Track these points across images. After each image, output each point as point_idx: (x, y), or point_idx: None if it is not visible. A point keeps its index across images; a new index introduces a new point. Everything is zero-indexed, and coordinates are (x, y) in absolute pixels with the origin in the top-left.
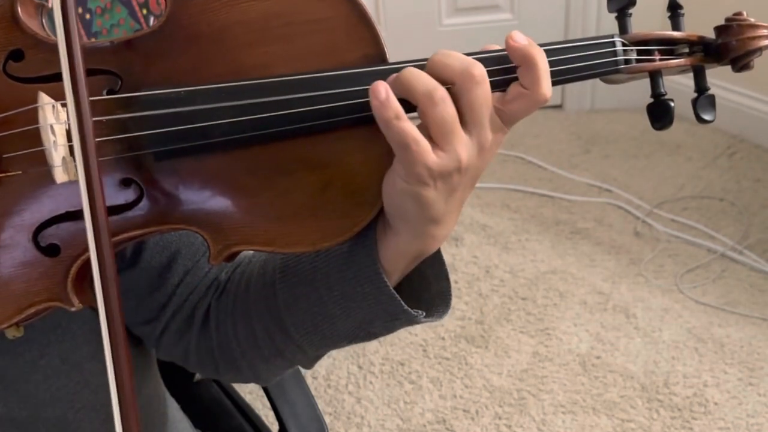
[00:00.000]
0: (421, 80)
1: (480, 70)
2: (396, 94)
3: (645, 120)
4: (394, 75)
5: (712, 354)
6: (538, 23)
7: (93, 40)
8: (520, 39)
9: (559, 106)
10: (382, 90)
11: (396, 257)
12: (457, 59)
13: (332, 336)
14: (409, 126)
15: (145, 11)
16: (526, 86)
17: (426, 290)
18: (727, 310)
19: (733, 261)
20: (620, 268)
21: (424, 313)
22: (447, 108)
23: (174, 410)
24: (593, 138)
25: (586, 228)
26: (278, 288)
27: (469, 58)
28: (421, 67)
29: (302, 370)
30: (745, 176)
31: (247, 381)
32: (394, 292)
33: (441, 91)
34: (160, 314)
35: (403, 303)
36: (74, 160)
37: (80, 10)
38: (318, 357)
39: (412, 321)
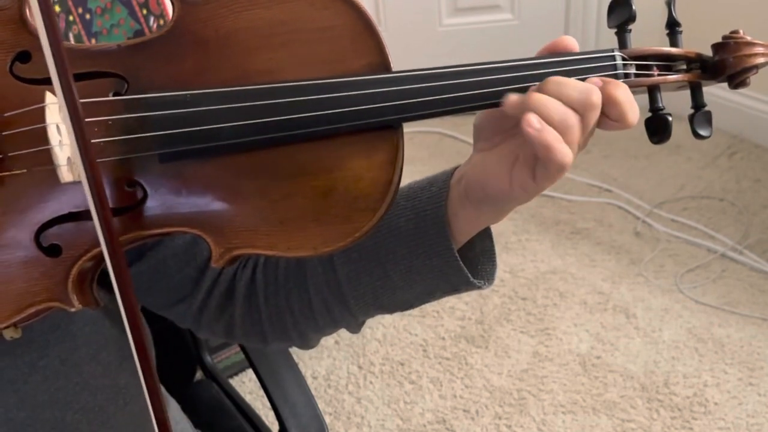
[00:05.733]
0: (556, 109)
1: (598, 97)
2: (544, 116)
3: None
4: (542, 99)
5: (712, 354)
6: (538, 23)
7: (93, 41)
8: (595, 80)
9: None
10: (534, 120)
11: (467, 232)
12: (575, 89)
13: (389, 305)
14: (565, 147)
15: (145, 11)
16: (614, 119)
17: (470, 249)
18: (727, 310)
19: (733, 261)
20: (620, 268)
21: (485, 282)
22: (576, 132)
23: (174, 410)
24: (593, 138)
25: (586, 228)
26: (337, 263)
27: (585, 86)
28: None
29: (302, 370)
30: (745, 176)
31: (292, 346)
32: (463, 266)
33: (573, 117)
34: (194, 290)
35: (469, 275)
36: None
37: (80, 10)
38: (365, 321)
39: (472, 289)
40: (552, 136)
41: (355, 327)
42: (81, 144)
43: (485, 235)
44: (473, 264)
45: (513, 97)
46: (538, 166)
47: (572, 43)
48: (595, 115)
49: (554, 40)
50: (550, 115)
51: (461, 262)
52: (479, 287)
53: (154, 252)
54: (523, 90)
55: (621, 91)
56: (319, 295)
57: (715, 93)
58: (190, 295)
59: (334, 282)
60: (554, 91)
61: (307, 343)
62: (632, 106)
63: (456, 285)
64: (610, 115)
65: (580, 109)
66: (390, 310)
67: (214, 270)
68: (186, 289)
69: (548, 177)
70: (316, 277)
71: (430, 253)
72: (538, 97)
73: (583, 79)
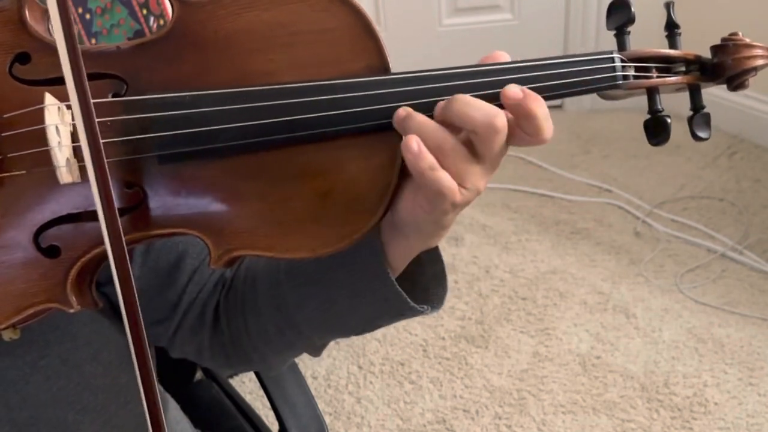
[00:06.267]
0: (447, 139)
1: (502, 122)
2: (422, 139)
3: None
4: (421, 122)
5: (712, 354)
6: (538, 23)
7: (94, 41)
8: (515, 94)
9: (559, 107)
10: (414, 143)
11: (403, 256)
12: (479, 110)
13: (341, 330)
14: (442, 174)
15: (145, 11)
16: (528, 133)
17: (421, 273)
18: (727, 310)
19: (733, 261)
20: (620, 268)
21: (429, 308)
22: (471, 160)
23: (174, 410)
24: (593, 138)
25: (586, 228)
26: (285, 288)
27: (490, 108)
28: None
29: (302, 371)
30: (745, 176)
31: (257, 370)
32: (401, 291)
33: (448, 143)
34: (172, 314)
35: (409, 300)
36: (78, 162)
37: (80, 10)
38: (325, 345)
39: (417, 314)
40: (425, 164)
41: (314, 351)
42: (92, 144)
43: (436, 259)
44: (425, 288)
45: (400, 113)
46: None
47: (504, 57)
48: (500, 137)
49: (488, 55)
50: (442, 145)
51: (398, 287)
52: (422, 312)
53: (138, 273)
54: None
55: (540, 106)
56: (271, 319)
57: (715, 93)
58: (167, 318)
59: (284, 306)
60: (459, 113)
61: (269, 367)
62: (548, 123)
63: (400, 310)
64: (525, 130)
65: (482, 130)
66: (343, 333)
67: (191, 295)
68: (164, 312)
69: (431, 202)
70: (268, 301)
71: (369, 276)
72: (433, 125)
73: (581, 82)
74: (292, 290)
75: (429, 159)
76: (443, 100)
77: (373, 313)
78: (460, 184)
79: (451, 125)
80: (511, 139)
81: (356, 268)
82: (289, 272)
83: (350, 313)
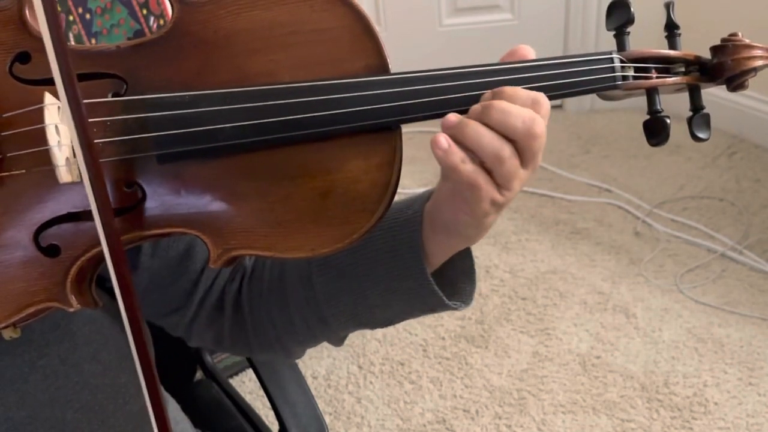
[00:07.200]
0: (488, 140)
1: (541, 128)
2: (461, 143)
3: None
4: (457, 123)
5: (712, 354)
6: (538, 23)
7: (93, 41)
8: (450, 121)
9: (559, 107)
10: (443, 140)
11: (442, 254)
12: (518, 118)
13: (368, 322)
14: (474, 168)
15: (145, 11)
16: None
17: (450, 267)
18: (727, 310)
19: (733, 261)
20: (620, 268)
21: (461, 304)
22: (514, 162)
23: (174, 410)
24: (593, 138)
25: (586, 228)
26: (316, 281)
27: (530, 115)
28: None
29: (302, 370)
30: (745, 176)
31: (277, 358)
32: (437, 289)
33: (507, 150)
34: (187, 301)
35: (444, 297)
36: (78, 161)
37: (80, 10)
38: (347, 335)
39: (447, 310)
40: (457, 158)
41: (336, 341)
42: (84, 143)
43: (465, 255)
44: (453, 282)
45: (450, 118)
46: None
47: (529, 51)
48: (540, 141)
49: (511, 49)
50: (482, 146)
51: (435, 286)
52: (455, 308)
53: (148, 264)
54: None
55: (540, 129)
56: (299, 311)
57: (715, 93)
58: (183, 307)
59: (313, 300)
60: (500, 122)
61: (291, 355)
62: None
63: (432, 306)
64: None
65: (522, 138)
66: (370, 326)
67: (206, 283)
68: (179, 301)
69: (467, 202)
70: (296, 293)
71: (405, 275)
72: (473, 126)
73: (580, 82)
74: (323, 284)
75: (459, 152)
76: (441, 99)
77: (404, 307)
78: (504, 187)
79: None
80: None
81: (394, 265)
82: (321, 265)
83: (381, 307)
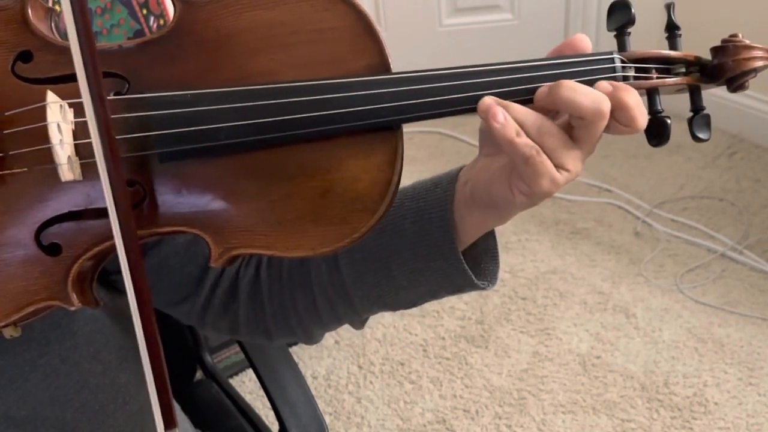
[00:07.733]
0: (545, 124)
1: (608, 107)
2: (521, 125)
3: None
4: (518, 110)
5: (712, 354)
6: (537, 24)
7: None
8: (604, 88)
9: None
10: (499, 113)
11: (471, 234)
12: (587, 96)
13: (393, 304)
14: (530, 142)
15: (145, 11)
16: (623, 124)
17: (473, 247)
18: (727, 310)
19: (733, 261)
20: (620, 268)
21: (489, 284)
22: (571, 144)
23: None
24: None
25: (586, 228)
26: (342, 264)
27: (597, 94)
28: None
29: (302, 370)
30: (745, 176)
31: (296, 341)
32: (468, 269)
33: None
34: (197, 288)
35: (473, 277)
36: (80, 160)
37: None
38: (369, 317)
39: (475, 290)
40: (512, 131)
41: (359, 324)
42: (105, 139)
43: (488, 234)
44: (476, 262)
45: (486, 101)
46: (516, 167)
47: (584, 42)
48: (603, 122)
49: (568, 39)
50: (548, 134)
51: (466, 266)
52: (483, 288)
53: (156, 251)
54: (527, 92)
55: (631, 96)
56: (323, 294)
57: (715, 93)
58: (194, 294)
59: (339, 282)
60: (564, 97)
61: (311, 339)
62: (641, 111)
63: (460, 286)
64: (620, 120)
65: (589, 117)
66: (394, 308)
67: (217, 268)
68: (189, 288)
69: (528, 183)
70: (320, 276)
71: (435, 255)
72: (538, 117)
73: (581, 82)
74: (349, 265)
75: (515, 126)
76: (442, 99)
77: (431, 288)
78: (559, 166)
79: (547, 111)
80: (607, 129)
81: (424, 245)
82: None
83: (408, 288)
